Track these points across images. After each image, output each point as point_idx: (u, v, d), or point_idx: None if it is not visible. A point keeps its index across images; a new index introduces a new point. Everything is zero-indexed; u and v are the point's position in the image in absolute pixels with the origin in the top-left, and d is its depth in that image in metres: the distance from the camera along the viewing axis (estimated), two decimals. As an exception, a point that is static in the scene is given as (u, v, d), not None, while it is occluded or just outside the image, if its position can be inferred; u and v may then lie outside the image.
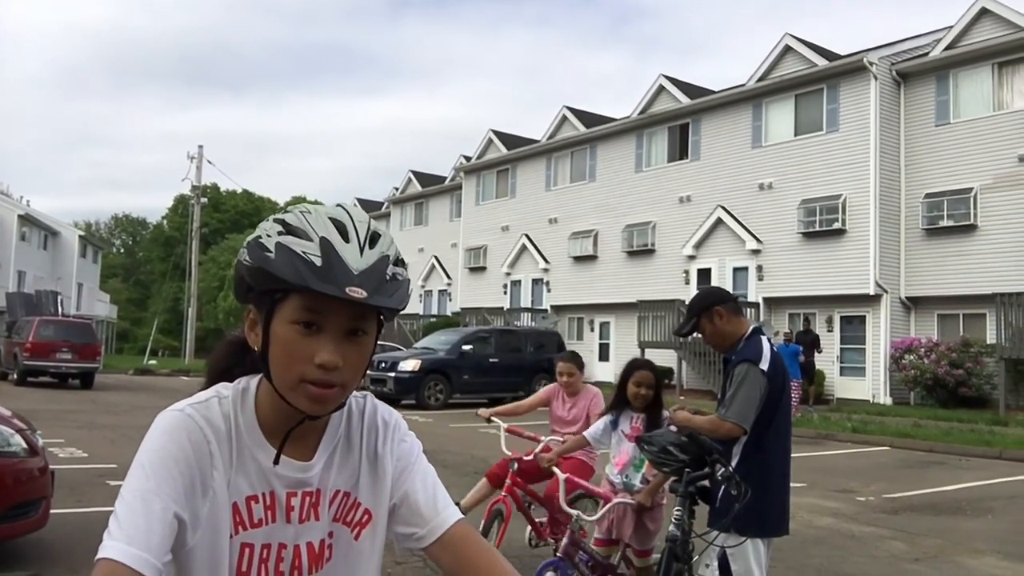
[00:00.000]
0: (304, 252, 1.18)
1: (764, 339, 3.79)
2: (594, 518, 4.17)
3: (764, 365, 3.64)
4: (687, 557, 3.29)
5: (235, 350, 1.38)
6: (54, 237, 54.07)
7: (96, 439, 11.80)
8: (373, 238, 1.25)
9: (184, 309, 42.13)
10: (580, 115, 30.37)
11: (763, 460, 3.63)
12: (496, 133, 34.16)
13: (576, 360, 5.36)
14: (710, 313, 3.82)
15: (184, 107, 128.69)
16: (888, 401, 20.11)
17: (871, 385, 20.76)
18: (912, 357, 19.26)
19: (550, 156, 30.81)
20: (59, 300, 32.53)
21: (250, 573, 1.27)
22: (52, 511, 5.61)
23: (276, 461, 1.28)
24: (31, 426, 5.74)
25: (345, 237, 1.22)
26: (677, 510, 3.40)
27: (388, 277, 1.23)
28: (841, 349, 21.58)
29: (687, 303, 4.17)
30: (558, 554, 4.19)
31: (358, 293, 1.17)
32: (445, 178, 39.82)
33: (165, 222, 77.01)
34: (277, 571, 1.29)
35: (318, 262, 1.18)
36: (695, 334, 3.91)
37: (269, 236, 1.22)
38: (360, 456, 1.37)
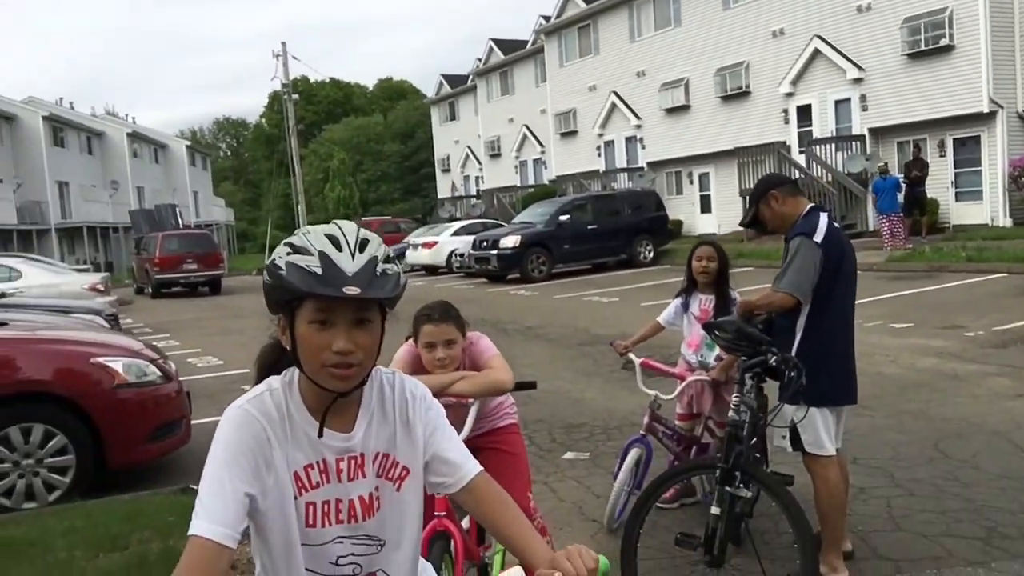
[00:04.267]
0: (307, 265, 1.50)
1: (823, 215, 3.82)
2: (671, 396, 4.38)
3: (818, 237, 3.70)
4: (751, 438, 3.48)
5: (277, 351, 1.68)
6: (163, 150, 56.31)
7: (229, 345, 12.75)
8: (363, 244, 1.55)
9: (294, 205, 43.64)
10: (659, -44, 28.78)
11: (823, 333, 3.73)
12: (573, -12, 32.87)
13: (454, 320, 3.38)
14: (766, 199, 3.88)
15: (267, 2, 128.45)
16: (1008, 224, 19.17)
17: (989, 208, 19.78)
18: (1033, 174, 18.18)
19: (631, 5, 29.51)
20: (178, 212, 34.30)
21: (316, 524, 1.61)
22: (194, 422, 6.30)
23: (320, 434, 1.60)
24: (162, 354, 6.37)
25: (338, 247, 1.53)
26: (735, 396, 3.56)
27: (378, 273, 1.53)
28: (955, 174, 20.52)
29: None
30: (641, 431, 4.45)
31: (353, 290, 1.48)
32: (526, 43, 38.88)
33: (264, 120, 78.64)
34: (337, 520, 1.63)
35: (319, 271, 1.49)
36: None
37: (281, 258, 1.54)
38: (395, 423, 1.69)
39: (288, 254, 1.52)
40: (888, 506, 4.60)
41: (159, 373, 5.86)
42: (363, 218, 38.93)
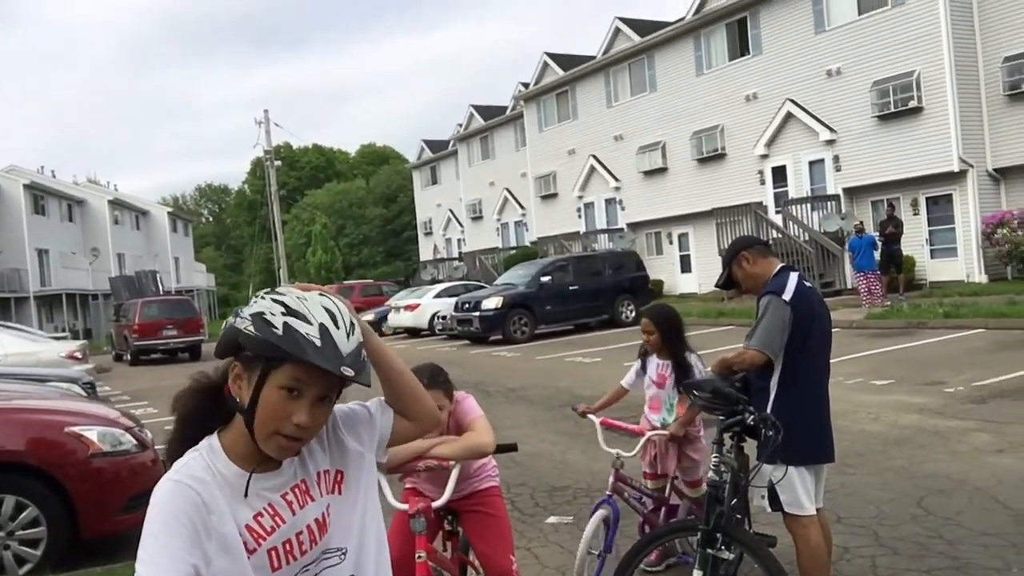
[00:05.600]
0: (307, 334, 1.51)
1: (793, 274, 3.89)
2: (631, 453, 4.37)
3: (787, 295, 3.77)
4: (731, 499, 3.46)
5: (204, 398, 1.64)
6: (144, 216, 56.34)
7: (207, 412, 12.56)
8: (352, 326, 1.58)
9: (275, 269, 43.64)
10: (633, 24, 29.57)
11: (797, 391, 3.76)
12: (551, 56, 33.61)
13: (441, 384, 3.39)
14: (738, 260, 3.97)
15: (249, 69, 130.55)
16: (983, 279, 19.47)
17: (964, 265, 20.09)
18: (1005, 231, 18.52)
19: (607, 72, 30.21)
20: (158, 278, 34.22)
21: (281, 566, 1.58)
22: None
23: (246, 493, 1.56)
24: (139, 422, 6.28)
25: (336, 324, 1.55)
26: (715, 456, 3.56)
27: (363, 359, 1.58)
28: (930, 231, 20.89)
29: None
30: (607, 492, 4.41)
31: (349, 372, 1.52)
32: (506, 108, 39.57)
33: (246, 186, 79.07)
34: (301, 552, 1.61)
35: (318, 343, 1.50)
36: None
37: (274, 315, 1.53)
38: (325, 439, 1.70)
39: (284, 314, 1.52)
40: (873, 565, 4.56)
41: (135, 441, 5.77)
42: (345, 282, 38.93)
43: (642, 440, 4.42)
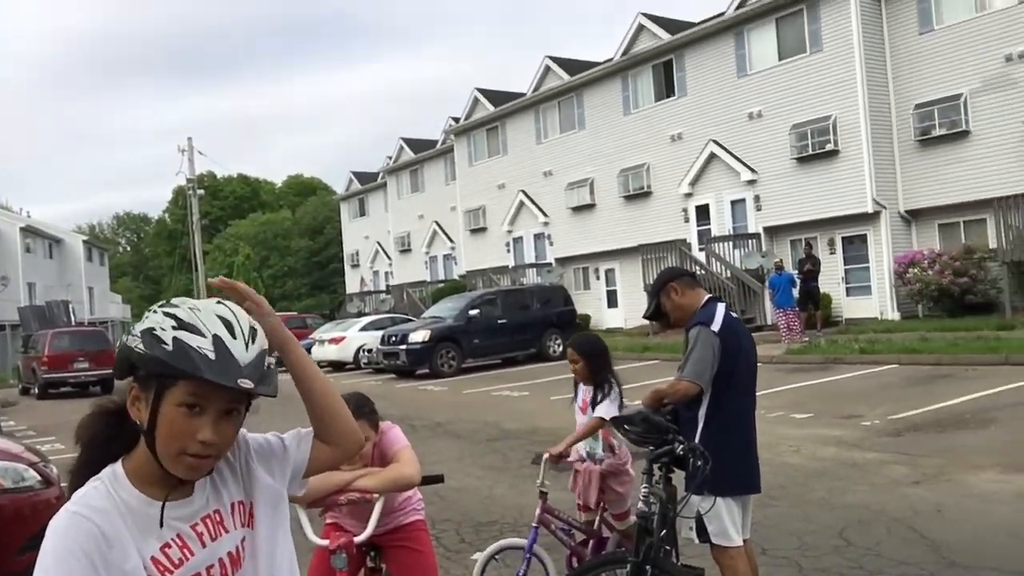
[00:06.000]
0: (199, 347, 1.41)
1: (720, 305, 3.94)
2: (539, 482, 4.31)
3: (715, 326, 3.81)
4: (660, 530, 3.44)
5: (108, 421, 1.53)
6: (58, 245, 54.34)
7: (119, 447, 12.06)
8: (253, 334, 1.48)
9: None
10: (563, 63, 30.08)
11: (724, 422, 3.79)
12: (481, 91, 33.90)
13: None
14: (666, 291, 4.00)
15: (174, 98, 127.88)
16: (896, 316, 20.20)
17: (878, 302, 20.82)
18: (916, 270, 19.27)
19: (537, 108, 30.61)
20: (70, 308, 32.95)
21: None
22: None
23: (161, 523, 1.46)
24: (44, 458, 5.96)
25: (232, 334, 1.46)
26: (644, 487, 3.54)
27: (266, 368, 1.48)
28: (846, 270, 21.61)
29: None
30: (533, 524, 4.35)
31: (247, 384, 1.42)
32: (436, 142, 39.66)
33: (167, 216, 77.16)
34: None
35: (212, 356, 1.41)
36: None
37: (164, 330, 1.43)
38: (239, 469, 1.61)
39: (174, 328, 1.43)
40: (797, 597, 4.59)
41: (39, 477, 5.46)
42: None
43: (542, 465, 4.37)
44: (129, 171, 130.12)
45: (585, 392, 4.50)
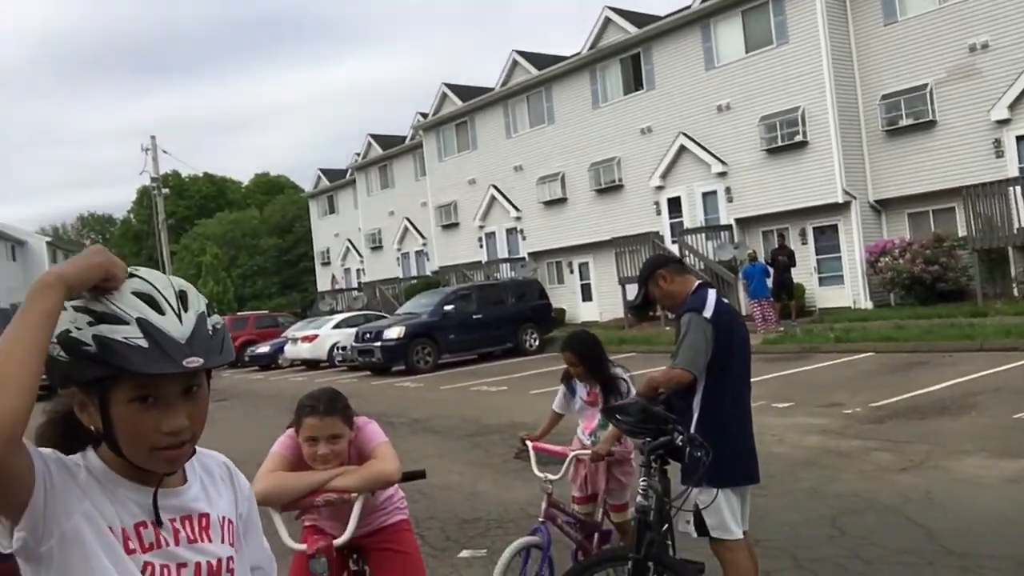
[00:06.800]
0: (126, 338, 1.21)
1: (711, 291, 3.85)
2: (557, 476, 4.23)
3: (707, 312, 3.71)
4: (660, 524, 3.33)
5: (65, 425, 1.36)
6: (21, 247, 53.25)
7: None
8: (183, 298, 1.29)
9: (163, 303, 41.89)
10: (531, 57, 29.94)
11: (719, 411, 3.69)
12: (449, 86, 33.65)
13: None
14: (655, 278, 3.90)
15: (136, 96, 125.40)
16: (869, 305, 20.33)
17: (851, 292, 20.96)
18: (887, 259, 19.40)
19: (506, 103, 30.44)
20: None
21: None
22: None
23: (158, 518, 1.32)
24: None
25: (159, 310, 1.26)
26: (643, 480, 3.42)
27: (211, 333, 1.29)
28: (818, 260, 21.72)
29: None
30: (540, 519, 4.25)
31: (196, 362, 1.24)
32: (405, 138, 39.33)
33: (132, 216, 75.93)
34: None
35: (144, 344, 1.22)
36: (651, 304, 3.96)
37: (80, 329, 1.23)
38: (224, 489, 1.47)
39: (91, 324, 1.23)
40: (795, 588, 4.51)
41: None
42: (239, 313, 37.59)
43: (566, 461, 4.26)
44: (92, 171, 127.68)
45: (588, 386, 4.39)
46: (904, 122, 19.98)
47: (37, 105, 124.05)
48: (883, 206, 21.00)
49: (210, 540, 1.38)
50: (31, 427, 1.38)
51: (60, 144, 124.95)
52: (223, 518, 1.42)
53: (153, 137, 37.31)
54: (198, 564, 1.34)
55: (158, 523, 1.32)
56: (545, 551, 4.18)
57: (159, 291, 1.28)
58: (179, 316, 1.27)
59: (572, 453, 4.28)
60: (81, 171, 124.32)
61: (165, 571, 1.31)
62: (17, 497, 1.17)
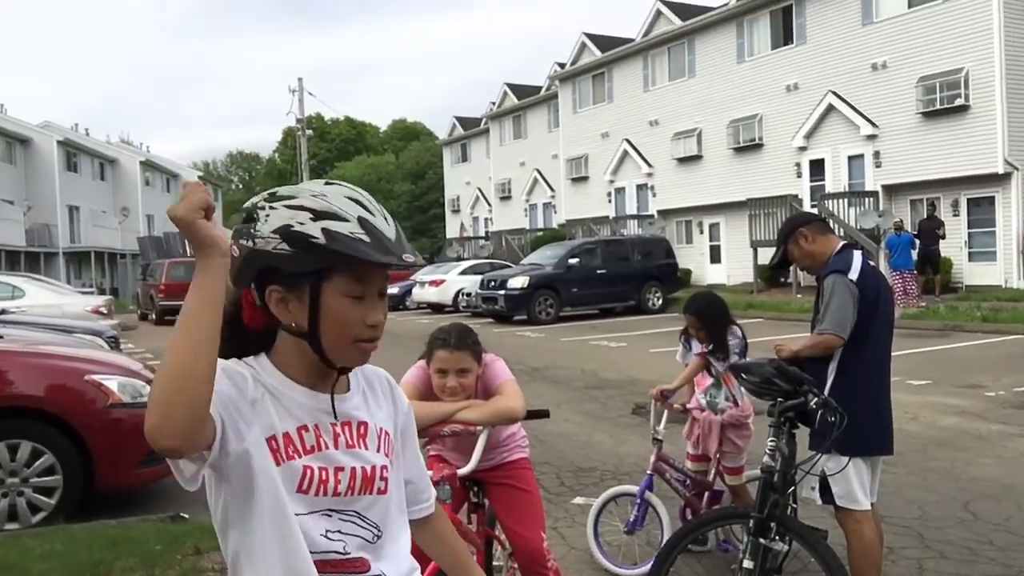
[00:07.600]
0: (351, 233, 1.33)
1: (856, 253, 3.65)
2: (660, 427, 4.24)
3: (853, 275, 3.53)
4: (784, 487, 3.24)
5: (233, 330, 1.39)
6: (175, 179, 56.55)
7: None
8: (383, 208, 1.40)
9: (301, 240, 43.64)
10: (675, 7, 29.08)
11: (858, 377, 3.53)
12: (589, 36, 33.17)
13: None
14: (795, 237, 3.72)
15: (287, 40, 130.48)
16: (1022, 285, 18.99)
17: (1003, 270, 19.60)
18: (1048, 237, 18.04)
19: (646, 55, 29.76)
20: (185, 240, 34.29)
21: (310, 490, 1.38)
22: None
23: (334, 413, 1.43)
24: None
25: (371, 211, 1.37)
26: (771, 440, 3.33)
27: (406, 238, 1.42)
28: (969, 234, 20.40)
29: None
30: (648, 471, 4.24)
31: (411, 257, 1.37)
32: (540, 88, 39.17)
33: (277, 155, 79.14)
34: (335, 491, 1.40)
35: (367, 239, 1.33)
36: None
37: (303, 224, 1.32)
38: (383, 402, 1.55)
39: (313, 220, 1.32)
40: (920, 568, 4.33)
41: (156, 394, 5.62)
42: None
43: (664, 413, 4.29)
44: (242, 110, 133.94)
45: (704, 345, 4.32)
46: (1082, 89, 18.32)
47: (191, 43, 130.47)
48: (1049, 179, 19.43)
49: (366, 447, 1.45)
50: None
51: (213, 83, 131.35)
52: (381, 429, 1.49)
53: (300, 79, 38.61)
54: (353, 469, 1.41)
55: (335, 418, 1.42)
56: (640, 500, 4.18)
57: (364, 197, 1.40)
58: (386, 219, 1.39)
59: (677, 405, 4.30)
60: (232, 109, 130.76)
61: (323, 473, 1.38)
62: (206, 443, 1.27)
